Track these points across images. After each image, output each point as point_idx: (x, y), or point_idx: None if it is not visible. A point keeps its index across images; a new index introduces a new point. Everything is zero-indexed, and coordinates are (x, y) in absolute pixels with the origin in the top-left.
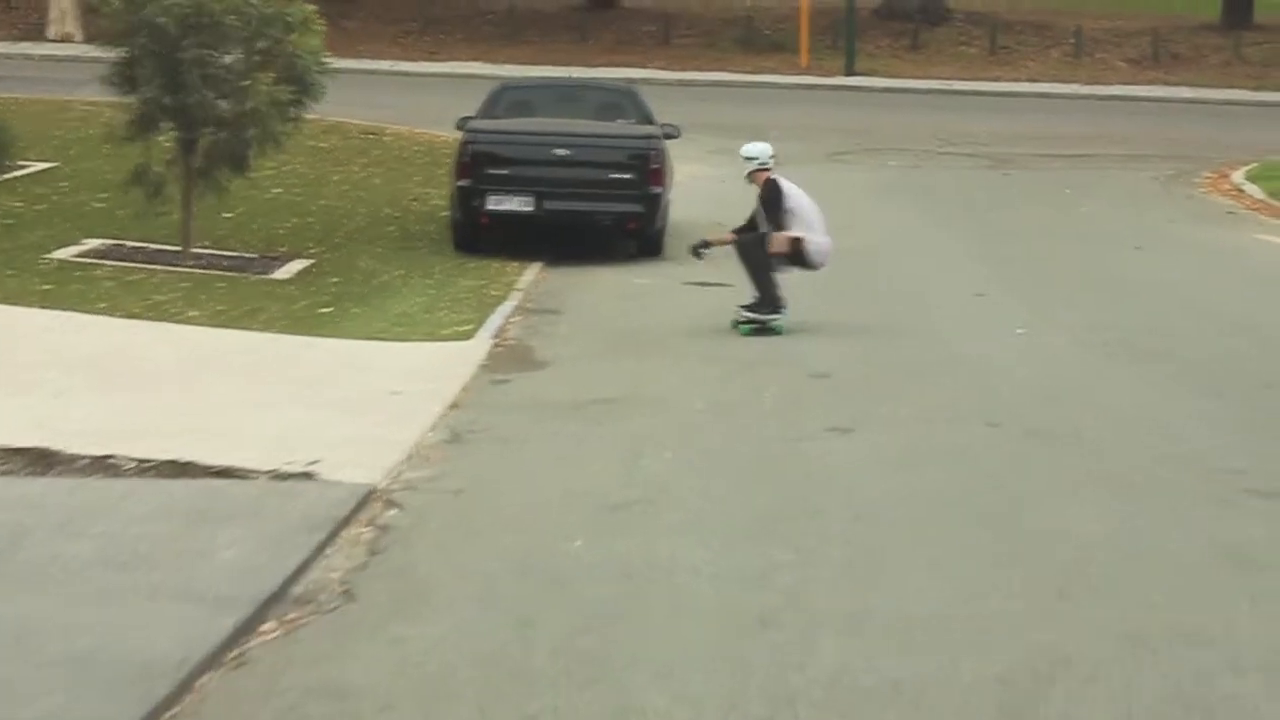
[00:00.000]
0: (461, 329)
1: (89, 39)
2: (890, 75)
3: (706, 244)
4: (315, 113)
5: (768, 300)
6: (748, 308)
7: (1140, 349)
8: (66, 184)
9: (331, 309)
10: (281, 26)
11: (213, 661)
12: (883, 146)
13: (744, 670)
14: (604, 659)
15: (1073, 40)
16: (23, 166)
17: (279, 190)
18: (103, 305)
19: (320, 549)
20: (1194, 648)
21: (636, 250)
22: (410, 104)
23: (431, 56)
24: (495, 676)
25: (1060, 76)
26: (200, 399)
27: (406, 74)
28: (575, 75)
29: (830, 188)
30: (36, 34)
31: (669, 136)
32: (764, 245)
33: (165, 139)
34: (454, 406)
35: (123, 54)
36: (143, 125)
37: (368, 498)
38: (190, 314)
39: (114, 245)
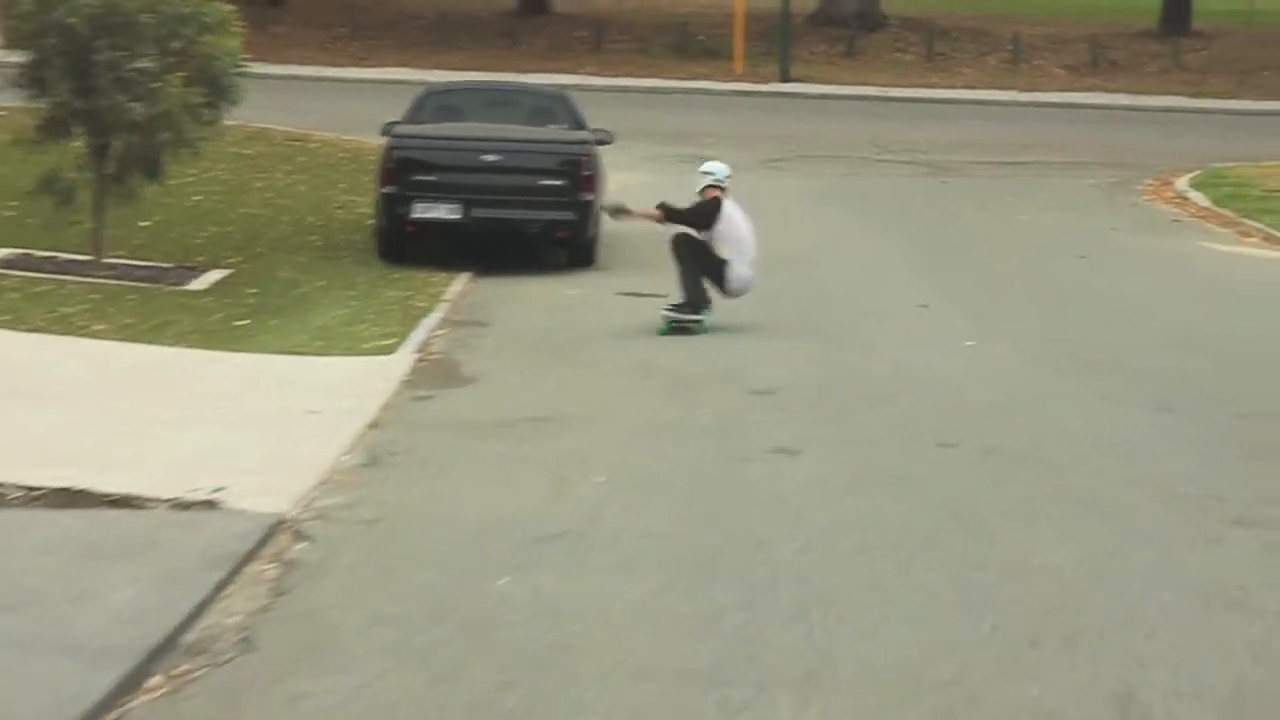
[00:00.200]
0: (384, 342)
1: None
2: (826, 82)
3: (624, 210)
4: (239, 119)
5: (691, 300)
6: (673, 308)
7: (1091, 361)
8: None
9: (248, 322)
10: (197, 27)
11: None
12: (819, 154)
13: None
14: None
15: (1010, 47)
16: None
17: (199, 198)
18: (6, 317)
19: (219, 589)
20: (1197, 714)
21: (568, 260)
22: (337, 110)
23: (360, 62)
24: None
25: (998, 83)
26: (99, 419)
27: (334, 80)
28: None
29: (766, 195)
30: None
31: (601, 142)
32: (694, 243)
33: (77, 144)
34: (373, 426)
35: (32, 56)
36: (52, 130)
37: (275, 529)
38: (96, 327)
39: (22, 255)
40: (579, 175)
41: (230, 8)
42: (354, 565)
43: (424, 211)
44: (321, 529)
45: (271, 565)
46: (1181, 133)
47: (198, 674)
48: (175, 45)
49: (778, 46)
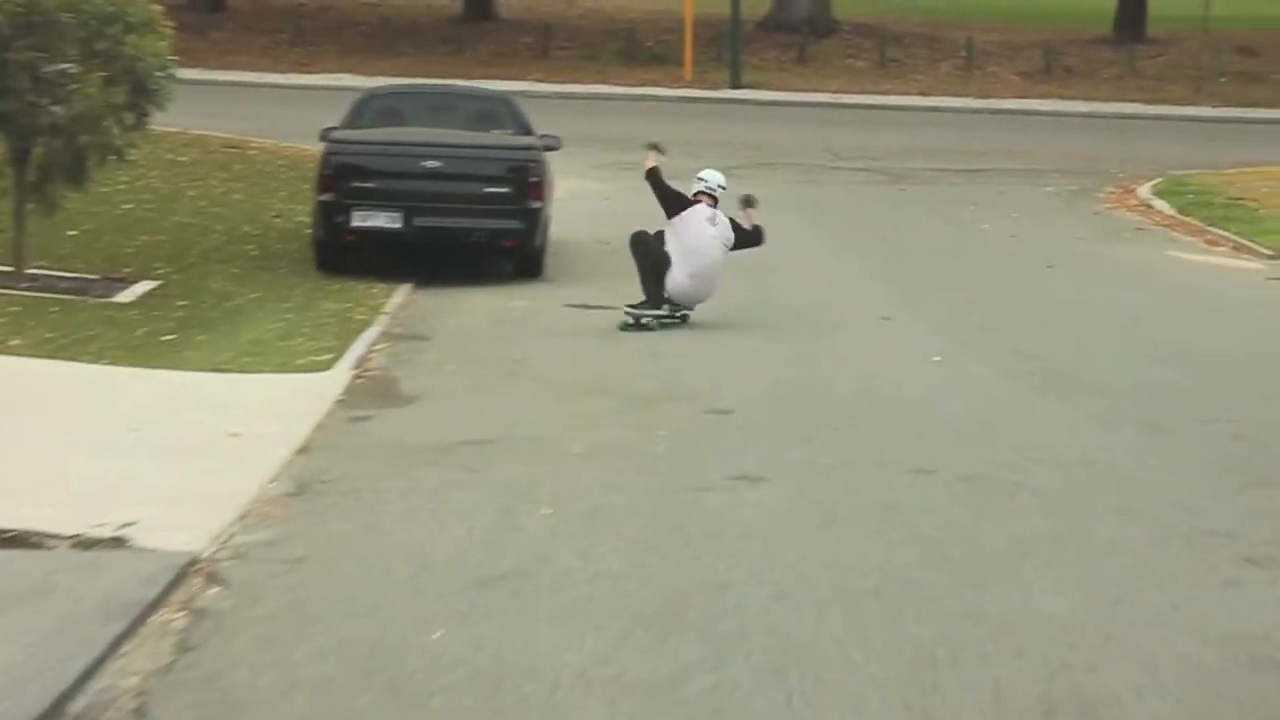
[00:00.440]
0: (319, 358)
1: None
2: (777, 88)
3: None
4: (176, 125)
5: (650, 298)
6: (633, 306)
7: (1068, 378)
8: None
9: (175, 336)
10: (122, 27)
11: None
12: (772, 161)
13: None
14: None
15: (963, 53)
16: None
17: (130, 206)
18: None
19: (117, 645)
20: None
21: (514, 270)
22: (278, 117)
23: (302, 68)
24: None
25: (952, 90)
26: (4, 443)
27: (275, 86)
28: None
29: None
30: None
31: (549, 148)
32: (647, 241)
33: None
34: (303, 451)
35: None
36: None
37: (186, 571)
38: (12, 342)
39: None
40: (526, 182)
41: (158, 7)
42: (271, 614)
43: (363, 220)
44: (238, 570)
45: (179, 614)
46: (1139, 139)
47: None
48: (100, 46)
49: (728, 53)
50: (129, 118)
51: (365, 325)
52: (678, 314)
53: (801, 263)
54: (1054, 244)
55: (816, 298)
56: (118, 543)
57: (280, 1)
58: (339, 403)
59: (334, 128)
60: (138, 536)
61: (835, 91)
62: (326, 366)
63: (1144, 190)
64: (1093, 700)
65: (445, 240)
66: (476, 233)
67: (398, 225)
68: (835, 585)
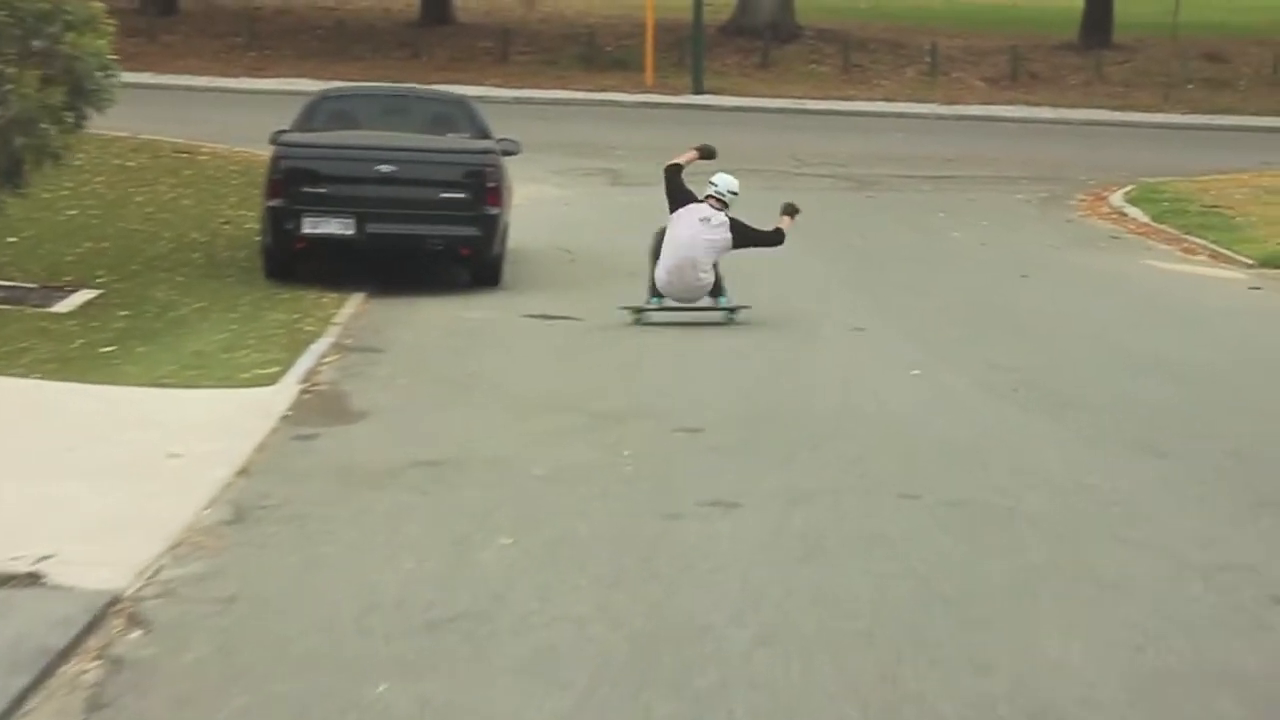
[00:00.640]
0: (265, 371)
1: None
2: (740, 94)
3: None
4: (126, 129)
5: (650, 288)
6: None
7: (1053, 393)
8: None
9: (114, 348)
10: (61, 25)
11: None
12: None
13: None
14: None
15: (928, 59)
16: None
17: (74, 212)
18: None
19: (19, 701)
20: None
21: (471, 279)
22: (231, 121)
23: (256, 72)
24: None
25: (916, 96)
26: None
27: (228, 90)
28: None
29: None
30: None
31: (508, 153)
32: (660, 235)
33: None
34: (243, 473)
35: None
36: None
37: (105, 612)
38: None
39: None
40: (483, 187)
41: (99, 4)
42: (196, 665)
43: (314, 226)
44: (163, 611)
45: (94, 664)
46: (1107, 146)
47: None
48: (37, 44)
49: (689, 58)
50: (67, 119)
51: (315, 337)
52: (716, 307)
53: (770, 270)
54: (1026, 252)
55: (787, 306)
56: (32, 579)
57: (234, 4)
58: (284, 419)
59: (284, 130)
60: (55, 571)
61: (799, 97)
62: (273, 380)
63: (1116, 198)
64: None
65: (399, 248)
66: (432, 240)
67: (350, 232)
68: (823, 627)
